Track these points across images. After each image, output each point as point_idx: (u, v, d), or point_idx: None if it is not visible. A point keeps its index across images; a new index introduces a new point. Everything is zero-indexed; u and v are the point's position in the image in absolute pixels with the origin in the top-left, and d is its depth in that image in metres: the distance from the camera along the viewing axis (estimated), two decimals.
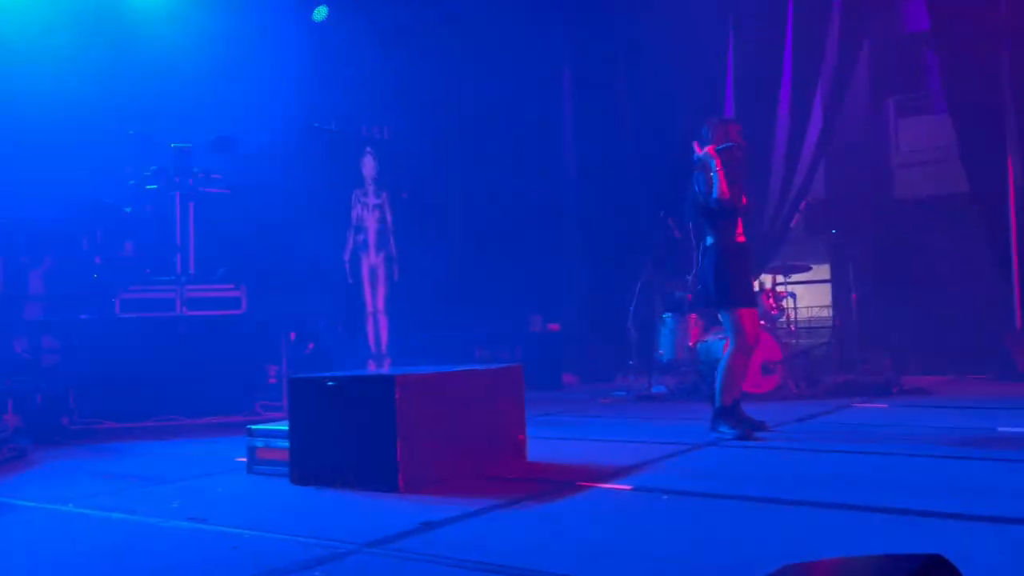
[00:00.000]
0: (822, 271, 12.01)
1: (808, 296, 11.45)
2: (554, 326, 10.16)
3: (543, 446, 4.65)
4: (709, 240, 5.10)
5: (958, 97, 9.55)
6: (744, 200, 5.07)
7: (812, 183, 10.37)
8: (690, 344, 8.04)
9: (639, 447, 4.78)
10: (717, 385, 5.06)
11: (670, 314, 8.39)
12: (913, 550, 2.40)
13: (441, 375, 3.84)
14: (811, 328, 12.46)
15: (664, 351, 8.31)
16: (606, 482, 3.65)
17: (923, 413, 6.01)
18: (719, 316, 5.21)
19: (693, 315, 8.17)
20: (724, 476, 3.80)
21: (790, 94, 10.11)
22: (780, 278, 8.34)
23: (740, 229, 5.11)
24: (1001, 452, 4.12)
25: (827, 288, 12.13)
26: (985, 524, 2.72)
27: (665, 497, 3.30)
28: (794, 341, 8.42)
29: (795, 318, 8.51)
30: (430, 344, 9.19)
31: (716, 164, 4.97)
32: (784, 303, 8.15)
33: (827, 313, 12.13)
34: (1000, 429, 4.92)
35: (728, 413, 5.00)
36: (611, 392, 7.99)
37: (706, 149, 5.04)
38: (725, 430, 4.96)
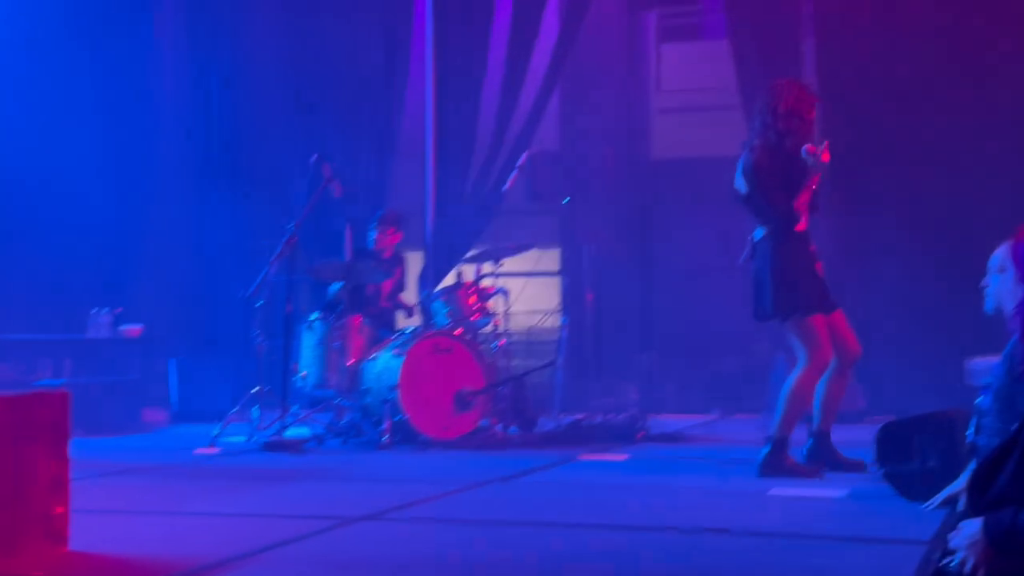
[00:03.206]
0: (550, 259, 12.55)
1: (528, 295, 11.92)
2: (133, 330, 9.80)
3: (99, 524, 4.46)
4: (759, 232, 5.84)
5: (741, 16, 10.34)
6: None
7: (538, 128, 10.75)
8: (349, 363, 8.07)
9: (255, 524, 4.75)
10: (778, 413, 5.74)
11: (320, 315, 8.38)
12: None
13: None
14: (531, 342, 12.97)
15: (308, 372, 8.28)
16: None
17: (674, 467, 6.50)
18: (786, 330, 5.79)
19: (357, 318, 8.21)
20: (373, 569, 3.84)
21: None
22: (488, 267, 8.59)
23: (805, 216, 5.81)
24: (732, 534, 4.42)
25: (556, 283, 12.71)
26: None
27: None
28: (504, 361, 8.72)
29: (508, 326, 8.80)
30: None
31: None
32: (492, 304, 8.42)
33: (554, 321, 12.71)
34: (772, 492, 5.39)
35: (782, 448, 5.69)
36: (221, 436, 7.83)
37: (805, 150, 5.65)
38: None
